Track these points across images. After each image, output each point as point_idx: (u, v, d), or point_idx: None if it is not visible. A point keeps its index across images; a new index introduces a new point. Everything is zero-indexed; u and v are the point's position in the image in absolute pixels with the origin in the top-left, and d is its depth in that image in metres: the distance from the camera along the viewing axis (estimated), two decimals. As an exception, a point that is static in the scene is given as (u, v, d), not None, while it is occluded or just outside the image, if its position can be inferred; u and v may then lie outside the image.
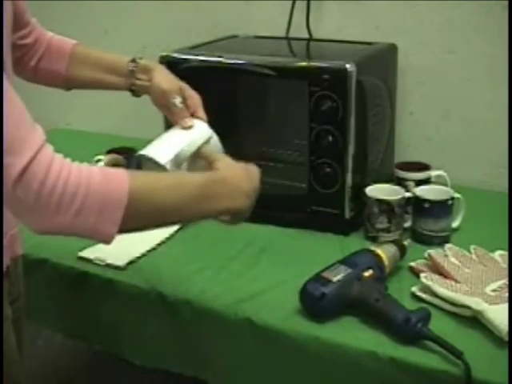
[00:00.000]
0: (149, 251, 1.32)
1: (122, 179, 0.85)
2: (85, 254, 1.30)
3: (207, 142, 1.09)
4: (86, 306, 1.29)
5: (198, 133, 1.11)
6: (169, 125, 1.43)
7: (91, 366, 1.94)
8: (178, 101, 1.12)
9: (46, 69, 1.19)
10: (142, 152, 1.06)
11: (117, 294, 1.23)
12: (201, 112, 1.14)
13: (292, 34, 1.69)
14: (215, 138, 1.12)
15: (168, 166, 1.04)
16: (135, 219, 0.87)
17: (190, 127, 1.11)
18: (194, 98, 1.15)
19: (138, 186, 0.86)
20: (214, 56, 1.42)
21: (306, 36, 1.68)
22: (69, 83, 1.22)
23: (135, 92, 1.20)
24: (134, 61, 1.18)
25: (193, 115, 1.13)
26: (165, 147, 1.08)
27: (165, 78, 1.16)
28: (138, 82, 1.18)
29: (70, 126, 2.13)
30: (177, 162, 1.05)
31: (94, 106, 2.06)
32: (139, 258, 1.29)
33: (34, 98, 1.22)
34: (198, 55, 1.44)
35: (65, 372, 1.90)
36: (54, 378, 1.81)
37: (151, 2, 1.90)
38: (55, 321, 1.33)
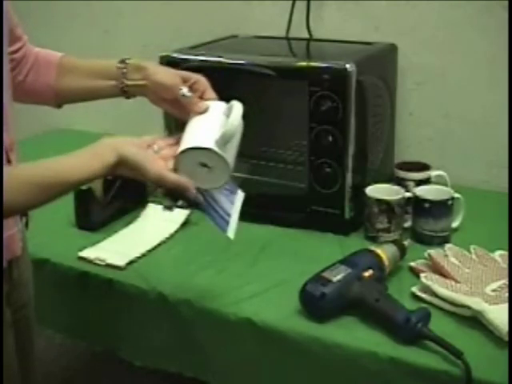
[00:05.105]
0: (149, 251, 1.32)
1: None
2: (85, 253, 1.30)
3: (229, 115, 1.02)
4: (86, 306, 1.29)
5: (218, 111, 1.06)
6: (168, 124, 1.44)
7: (91, 366, 1.94)
8: (185, 90, 1.08)
9: (35, 82, 1.16)
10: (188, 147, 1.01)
11: (117, 294, 1.23)
12: (208, 92, 1.10)
13: (292, 34, 1.69)
14: (237, 106, 1.04)
15: (218, 150, 1.00)
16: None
17: (206, 110, 1.06)
18: (200, 81, 1.11)
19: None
20: (213, 56, 1.43)
21: (306, 36, 1.68)
22: (58, 96, 1.18)
23: (128, 94, 1.15)
24: (123, 62, 1.13)
25: (202, 98, 1.09)
26: (201, 135, 1.02)
27: (164, 74, 1.12)
28: (131, 83, 1.13)
29: (70, 126, 2.12)
30: (221, 143, 1.01)
31: (94, 106, 2.05)
32: (139, 257, 1.29)
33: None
34: (197, 55, 1.44)
35: (65, 372, 1.90)
36: (54, 378, 1.81)
37: (151, 2, 1.90)
38: (55, 321, 1.33)
